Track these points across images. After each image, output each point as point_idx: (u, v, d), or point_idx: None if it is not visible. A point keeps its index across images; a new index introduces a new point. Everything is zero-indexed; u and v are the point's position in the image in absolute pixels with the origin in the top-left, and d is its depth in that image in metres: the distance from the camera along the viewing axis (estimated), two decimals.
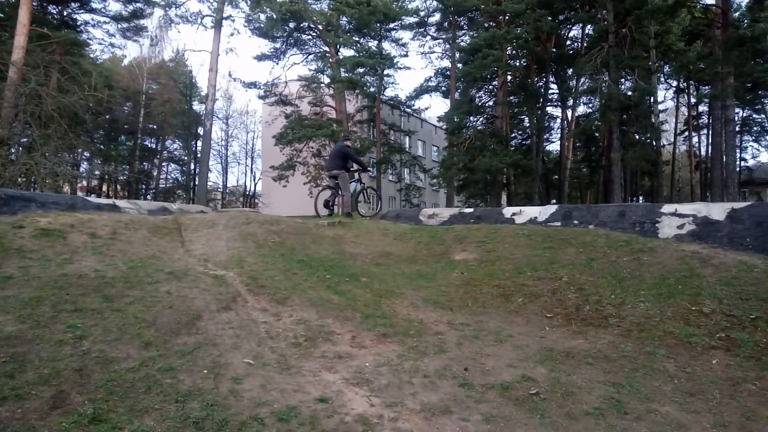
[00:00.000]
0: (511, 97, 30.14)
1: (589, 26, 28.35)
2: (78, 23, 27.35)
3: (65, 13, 26.70)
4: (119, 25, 27.93)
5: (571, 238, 7.54)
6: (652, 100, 24.94)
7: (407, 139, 36.57)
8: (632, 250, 6.69)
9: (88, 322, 3.98)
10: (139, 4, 26.78)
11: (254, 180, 47.96)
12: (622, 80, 26.27)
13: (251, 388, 3.52)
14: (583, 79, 27.93)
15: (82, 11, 27.12)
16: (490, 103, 31.53)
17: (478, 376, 4.05)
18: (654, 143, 27.26)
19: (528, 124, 32.18)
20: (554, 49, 29.17)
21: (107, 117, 33.95)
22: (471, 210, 10.35)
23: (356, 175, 11.30)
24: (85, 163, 32.21)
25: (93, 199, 8.22)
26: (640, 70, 23.98)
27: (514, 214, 9.32)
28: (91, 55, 30.98)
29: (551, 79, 30.87)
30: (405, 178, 35.43)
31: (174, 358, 3.72)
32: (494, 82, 30.26)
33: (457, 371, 4.11)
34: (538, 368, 4.25)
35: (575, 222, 8.46)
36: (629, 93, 25.08)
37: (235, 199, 50.47)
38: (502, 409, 3.55)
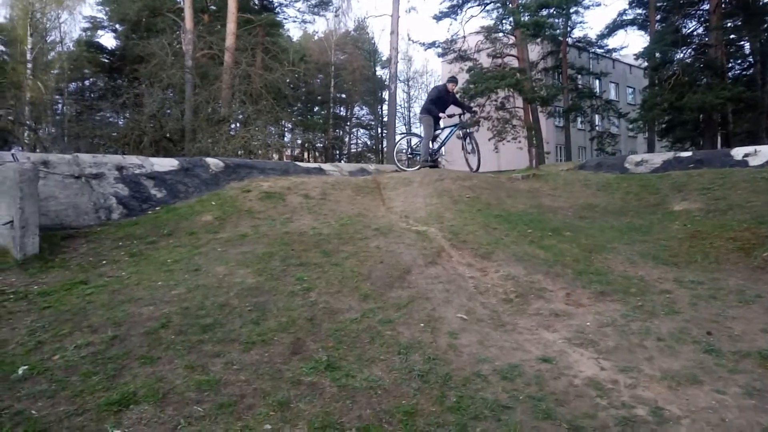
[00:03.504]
0: (727, 21, 25.44)
1: None
2: (274, 5, 29.92)
3: None
4: (308, 2, 29.91)
5: None
6: None
7: (597, 82, 33.40)
8: None
9: (312, 275, 4.30)
10: None
11: None
12: None
13: (469, 343, 3.47)
14: None
15: None
16: (700, 30, 27.07)
17: (726, 342, 3.48)
18: None
19: (750, 51, 27.03)
20: None
21: (304, 89, 36.92)
22: (689, 154, 9.03)
23: (457, 118, 9.46)
24: (288, 133, 35.54)
25: (302, 164, 8.94)
26: None
27: (746, 155, 7.93)
28: (287, 34, 33.82)
29: None
30: (597, 125, 32.54)
31: (391, 311, 3.84)
32: (704, 5, 25.84)
33: (698, 335, 3.59)
34: None
35: None
36: None
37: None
38: (766, 382, 3.00)
